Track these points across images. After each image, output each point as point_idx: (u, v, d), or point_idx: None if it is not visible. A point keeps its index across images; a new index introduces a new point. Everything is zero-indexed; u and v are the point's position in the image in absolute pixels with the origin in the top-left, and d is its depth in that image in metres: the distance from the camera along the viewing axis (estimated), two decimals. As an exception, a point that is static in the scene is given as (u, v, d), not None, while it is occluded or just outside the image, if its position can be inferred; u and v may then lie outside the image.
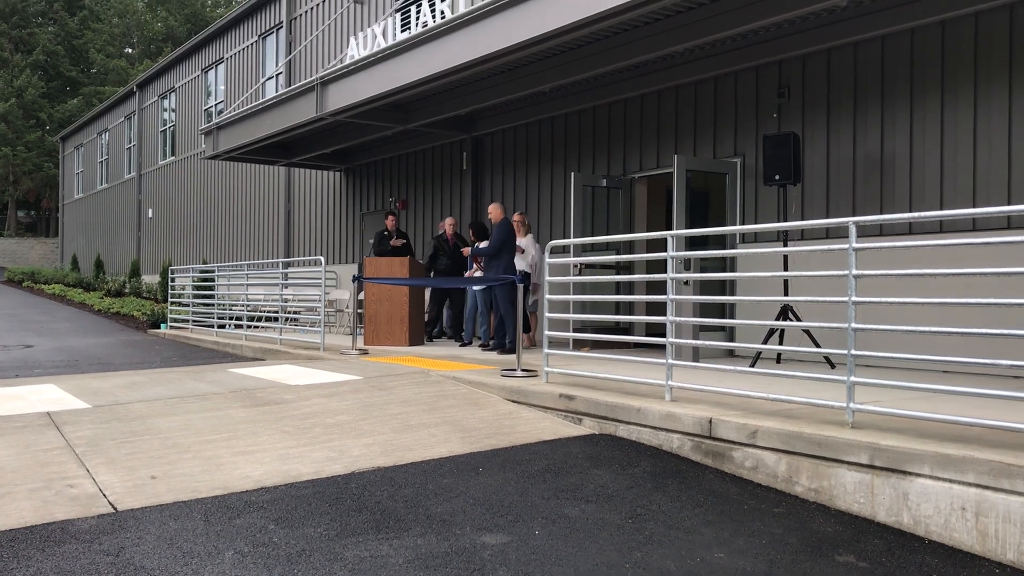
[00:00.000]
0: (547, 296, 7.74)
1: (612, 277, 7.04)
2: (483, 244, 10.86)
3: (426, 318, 13.39)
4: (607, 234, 11.69)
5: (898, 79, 9.24)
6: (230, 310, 16.01)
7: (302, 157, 17.38)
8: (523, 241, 11.33)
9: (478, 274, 11.18)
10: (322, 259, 12.24)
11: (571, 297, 7.69)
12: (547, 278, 7.79)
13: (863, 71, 9.63)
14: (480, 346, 11.33)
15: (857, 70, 9.70)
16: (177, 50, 27.83)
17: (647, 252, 12.06)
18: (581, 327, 10.75)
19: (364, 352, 10.94)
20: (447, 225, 12.92)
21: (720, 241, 10.63)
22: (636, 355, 7.65)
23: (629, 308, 11.82)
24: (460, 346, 11.92)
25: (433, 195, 16.10)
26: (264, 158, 17.54)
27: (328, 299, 15.25)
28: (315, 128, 14.77)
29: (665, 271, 6.40)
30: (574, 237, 11.26)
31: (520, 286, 8.29)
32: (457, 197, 15.50)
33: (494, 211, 11.01)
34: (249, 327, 15.71)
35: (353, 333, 11.28)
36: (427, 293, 13.67)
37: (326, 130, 15.65)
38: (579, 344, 10.77)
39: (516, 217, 11.46)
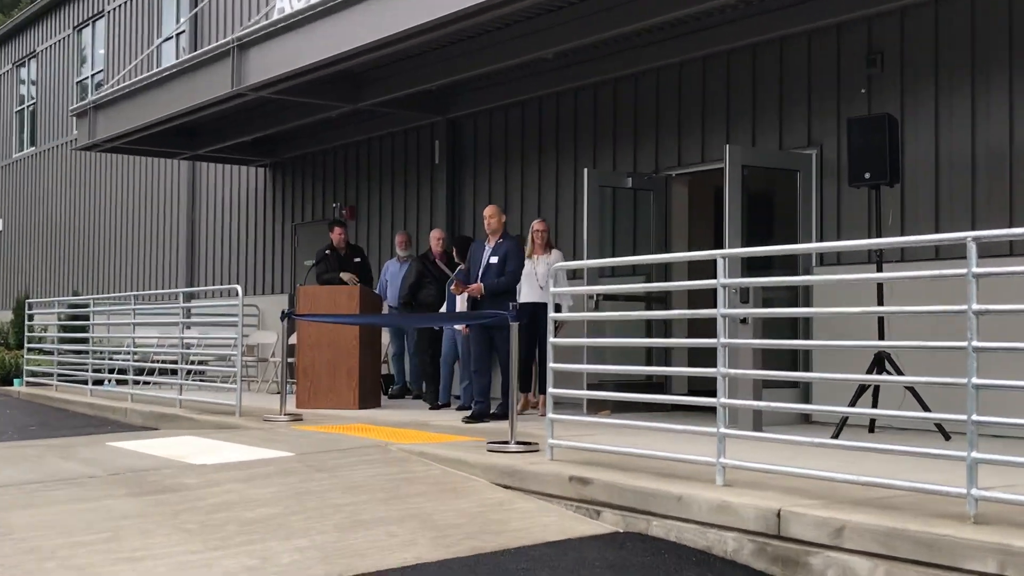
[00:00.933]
0: (551, 339, 7.81)
1: (642, 314, 7.09)
2: (466, 266, 11.05)
3: (384, 370, 13.76)
4: (633, 253, 11.85)
5: (1035, 40, 9.46)
6: (111, 359, 16.06)
7: (213, 148, 17.68)
8: (546, 259, 11.45)
9: (459, 306, 11.29)
10: (239, 288, 12.36)
11: (585, 341, 7.83)
12: (551, 314, 7.89)
13: (984, 29, 9.77)
14: (459, 409, 11.59)
15: (976, 27, 9.83)
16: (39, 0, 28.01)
17: (689, 279, 11.61)
18: (599, 382, 10.94)
19: (297, 418, 11.22)
20: (433, 241, 13.18)
21: (789, 263, 10.73)
22: (675, 421, 7.71)
23: (665, 356, 11.94)
24: (431, 409, 12.17)
25: (393, 199, 16.31)
26: (160, 149, 17.85)
27: (247, 344, 15.51)
28: (231, 108, 15.00)
29: (714, 305, 6.43)
30: (588, 258, 11.38)
31: (514, 324, 8.45)
32: (426, 202, 15.69)
33: (494, 218, 11.03)
34: (138, 383, 15.80)
35: (282, 391, 11.53)
36: (384, 335, 14.00)
37: (246, 110, 15.86)
38: (596, 406, 10.89)
39: (538, 226, 11.55)
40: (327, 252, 13.45)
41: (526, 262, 11.21)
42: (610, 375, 10.73)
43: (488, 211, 11.01)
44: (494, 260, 10.77)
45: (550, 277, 9.05)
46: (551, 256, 11.46)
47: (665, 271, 12.10)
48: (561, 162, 13.56)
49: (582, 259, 11.12)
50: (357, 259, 13.58)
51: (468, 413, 10.89)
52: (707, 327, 6.83)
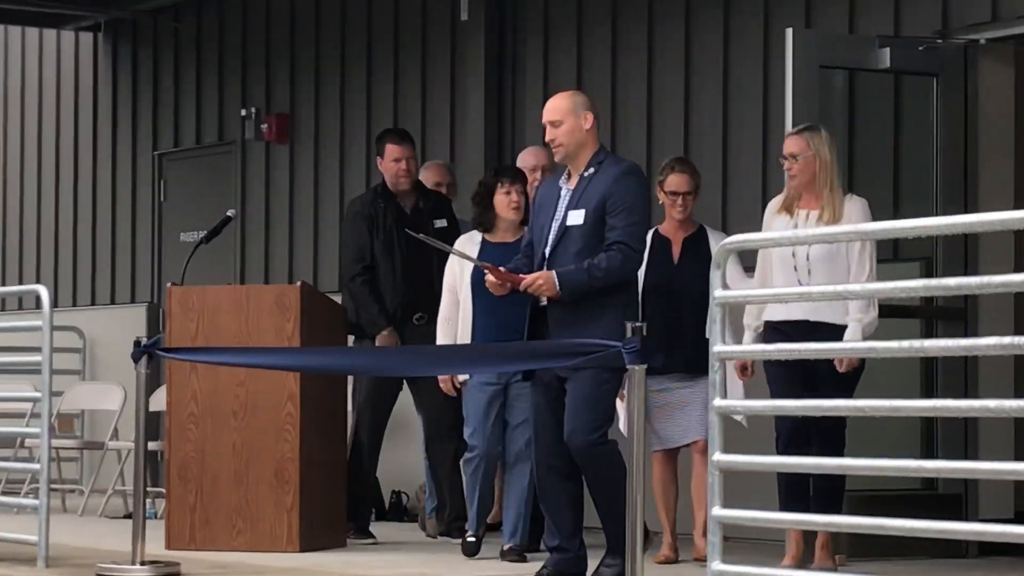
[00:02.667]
0: (716, 403, 5.82)
1: (910, 345, 5.37)
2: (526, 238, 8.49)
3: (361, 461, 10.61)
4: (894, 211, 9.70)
5: None
6: None
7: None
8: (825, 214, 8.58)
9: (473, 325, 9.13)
10: (44, 293, 9.24)
11: (768, 404, 6.70)
12: (719, 347, 5.80)
13: None
14: (509, 551, 8.80)
15: None
16: None
17: (1017, 268, 9.27)
18: (823, 491, 8.36)
19: (171, 571, 8.69)
20: (430, 175, 10.70)
21: None
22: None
23: (965, 439, 9.29)
24: (463, 547, 9.28)
25: (369, 97, 13.11)
26: None
27: (62, 412, 12.91)
28: None
29: None
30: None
31: (638, 368, 6.54)
32: (439, 99, 12.62)
33: (567, 118, 8.10)
34: None
35: (137, 514, 8.74)
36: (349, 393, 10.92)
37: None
38: (811, 546, 8.52)
39: (795, 147, 8.65)
40: (370, 207, 10.28)
41: (778, 218, 8.13)
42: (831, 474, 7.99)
43: (556, 105, 7.80)
44: (576, 218, 7.74)
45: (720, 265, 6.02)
46: (844, 208, 8.10)
47: (964, 252, 9.09)
48: (734, 16, 10.66)
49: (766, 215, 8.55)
50: (440, 221, 10.34)
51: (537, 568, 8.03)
52: None
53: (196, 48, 14.46)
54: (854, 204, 8.04)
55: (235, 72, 14.12)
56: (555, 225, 7.76)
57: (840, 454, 7.54)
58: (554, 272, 7.53)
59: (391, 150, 10.30)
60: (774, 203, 8.14)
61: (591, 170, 7.70)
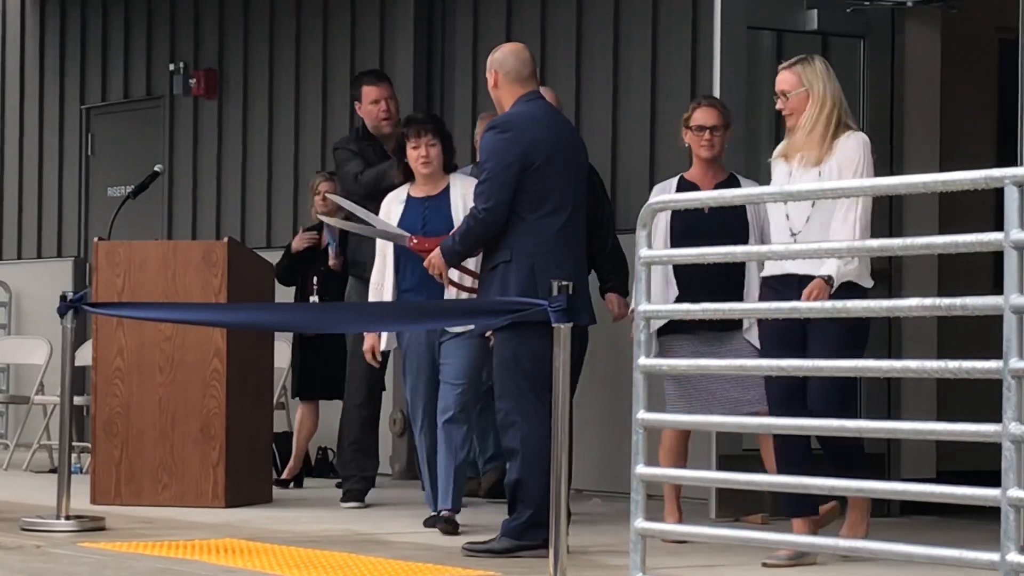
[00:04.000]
0: (641, 362, 5.69)
1: (832, 306, 5.60)
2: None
3: (284, 425, 11.36)
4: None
5: None
6: None
7: None
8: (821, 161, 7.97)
9: (451, 293, 8.67)
10: None
11: (692, 363, 6.67)
12: (643, 307, 5.65)
13: None
14: (439, 518, 8.68)
15: None
16: None
17: (941, 231, 9.05)
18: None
19: (92, 525, 8.75)
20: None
21: None
22: (929, 535, 7.82)
23: (887, 398, 9.49)
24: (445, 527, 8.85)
25: (300, 54, 13.12)
26: None
27: None
28: None
29: (994, 289, 4.63)
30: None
31: (563, 326, 6.64)
32: (372, 57, 12.51)
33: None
34: None
35: (62, 467, 8.95)
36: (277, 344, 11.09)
37: None
38: (734, 505, 9.02)
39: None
40: (354, 145, 10.03)
41: (778, 165, 7.73)
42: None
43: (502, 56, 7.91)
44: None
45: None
46: (838, 146, 7.44)
47: (889, 214, 9.10)
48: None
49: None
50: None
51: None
52: (977, 336, 5.84)
53: (124, 1, 14.25)
54: (847, 141, 7.35)
55: (164, 26, 13.94)
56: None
57: (842, 415, 6.97)
58: (438, 247, 7.69)
59: (368, 92, 9.98)
60: (778, 148, 7.55)
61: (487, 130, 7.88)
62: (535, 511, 7.17)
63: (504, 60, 7.72)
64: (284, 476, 10.72)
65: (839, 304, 5.67)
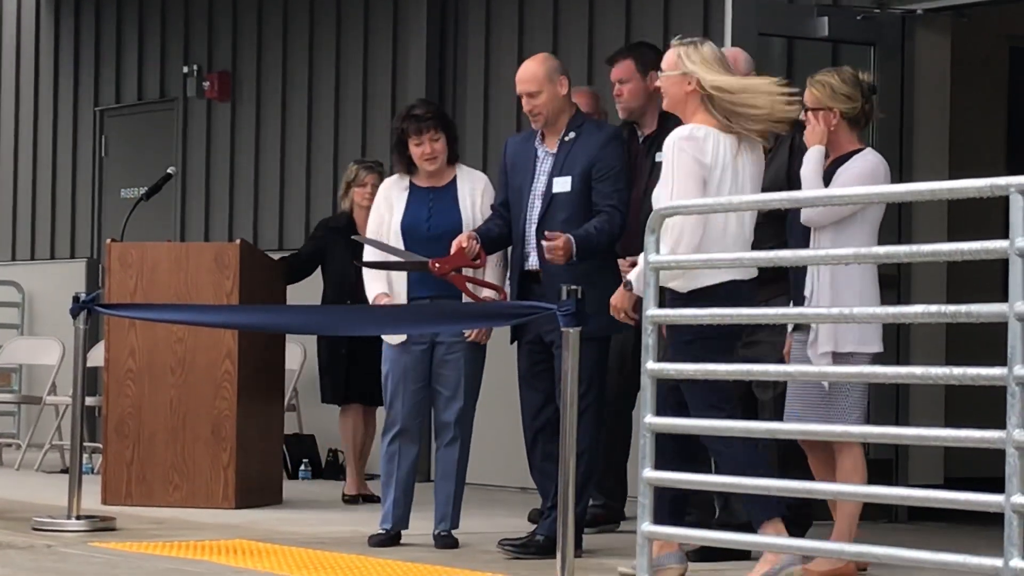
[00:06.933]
0: (649, 366, 5.71)
1: (839, 312, 5.74)
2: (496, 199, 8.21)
3: (295, 427, 11.36)
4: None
5: None
6: None
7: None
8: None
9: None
10: None
11: (700, 368, 5.92)
12: (651, 311, 5.61)
13: None
14: (439, 537, 8.42)
15: None
16: None
17: (950, 238, 9.16)
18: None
19: (103, 525, 8.74)
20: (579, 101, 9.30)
21: None
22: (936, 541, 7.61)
23: (896, 403, 9.35)
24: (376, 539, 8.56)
25: (313, 57, 13.06)
26: None
27: (0, 367, 13.84)
28: None
29: (1001, 296, 4.45)
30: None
31: (572, 331, 6.64)
32: (385, 62, 12.48)
33: (540, 86, 7.72)
34: None
35: (73, 468, 8.92)
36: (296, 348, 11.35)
37: None
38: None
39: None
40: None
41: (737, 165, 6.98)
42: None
43: (532, 75, 7.52)
44: (562, 185, 7.47)
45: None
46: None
47: (898, 221, 8.98)
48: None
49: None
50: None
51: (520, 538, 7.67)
52: (979, 342, 6.40)
53: (139, 3, 14.27)
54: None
55: (177, 29, 13.97)
56: (538, 192, 7.57)
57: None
58: (571, 236, 7.24)
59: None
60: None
61: (571, 135, 7.54)
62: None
63: (565, 68, 7.80)
64: (351, 492, 10.10)
65: (846, 311, 5.69)
